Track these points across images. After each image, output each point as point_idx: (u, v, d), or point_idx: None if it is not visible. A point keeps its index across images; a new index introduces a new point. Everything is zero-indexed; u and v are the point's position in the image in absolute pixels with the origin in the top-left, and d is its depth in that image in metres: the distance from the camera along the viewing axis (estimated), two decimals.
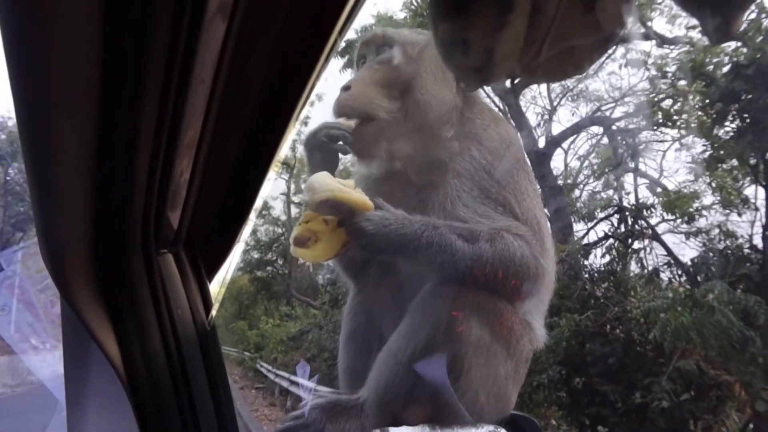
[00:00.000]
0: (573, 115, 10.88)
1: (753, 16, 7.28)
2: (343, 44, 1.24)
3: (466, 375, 1.38)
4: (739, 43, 7.18)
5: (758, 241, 7.88)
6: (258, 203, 1.15)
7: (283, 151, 1.02)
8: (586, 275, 8.64)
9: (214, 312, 1.20)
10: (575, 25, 0.61)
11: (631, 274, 9.11)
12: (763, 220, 7.81)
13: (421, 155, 1.54)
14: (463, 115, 1.60)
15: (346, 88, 1.54)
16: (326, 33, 0.78)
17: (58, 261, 0.99)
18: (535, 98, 11.79)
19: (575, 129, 10.60)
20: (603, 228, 9.63)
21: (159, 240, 1.07)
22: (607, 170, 10.45)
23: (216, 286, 1.26)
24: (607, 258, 9.20)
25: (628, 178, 9.96)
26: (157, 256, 1.09)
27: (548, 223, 1.63)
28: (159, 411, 1.08)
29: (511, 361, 1.48)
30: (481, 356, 1.39)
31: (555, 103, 11.31)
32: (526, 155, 1.70)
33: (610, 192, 10.29)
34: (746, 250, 7.88)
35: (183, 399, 1.09)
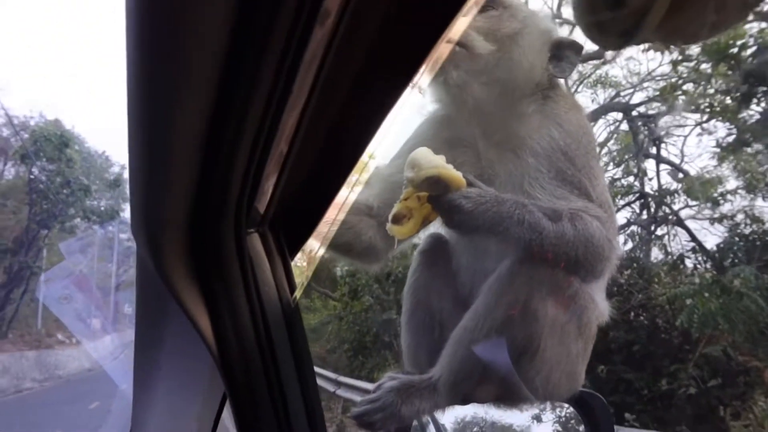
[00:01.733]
0: (592, 101, 10.75)
1: None
2: None
3: (541, 354, 1.37)
4: (764, 24, 7.07)
5: None
6: (347, 184, 1.14)
7: (376, 142, 1.01)
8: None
9: (299, 292, 1.20)
10: None
11: (655, 261, 9.04)
12: None
13: (499, 121, 1.54)
14: (545, 95, 1.59)
15: None
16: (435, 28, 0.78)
17: (156, 239, 1.00)
18: None
19: (594, 115, 10.50)
20: (625, 215, 9.57)
21: (248, 220, 1.08)
22: (627, 157, 10.35)
23: (300, 266, 1.26)
24: (630, 244, 9.16)
25: (650, 165, 9.86)
26: (246, 235, 1.09)
27: (613, 204, 1.62)
28: (249, 386, 1.10)
29: (582, 339, 1.48)
30: (556, 335, 1.39)
31: (573, 90, 11.20)
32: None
33: (631, 179, 10.18)
34: None
35: (270, 369, 1.11)
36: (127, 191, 1.09)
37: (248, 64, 0.72)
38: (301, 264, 1.30)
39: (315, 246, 1.35)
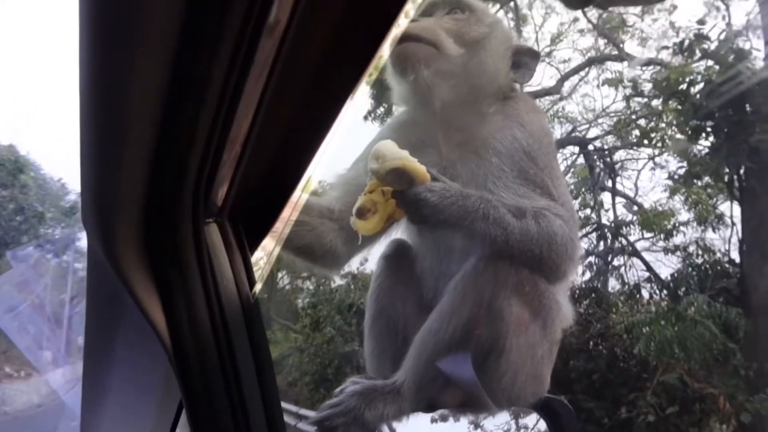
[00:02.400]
0: None
1: (724, 35, 7.57)
2: None
3: (507, 354, 1.36)
4: (711, 62, 7.44)
5: (735, 256, 8.05)
6: (304, 182, 1.12)
7: (336, 131, 1.00)
8: (569, 292, 8.73)
9: (258, 286, 1.16)
10: None
11: (612, 291, 9.20)
12: (740, 234, 7.99)
13: (463, 122, 1.55)
14: (507, 97, 1.62)
15: (413, 20, 1.54)
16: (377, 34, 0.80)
17: (108, 226, 0.96)
18: None
19: None
20: (583, 245, 9.75)
21: (206, 209, 1.04)
22: (584, 189, 10.61)
23: (259, 261, 1.22)
24: (588, 275, 9.30)
25: (606, 197, 10.12)
26: (204, 224, 1.05)
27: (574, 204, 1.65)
28: (205, 380, 1.05)
29: (547, 340, 1.48)
30: (521, 335, 1.39)
31: None
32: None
33: (588, 211, 10.42)
34: (725, 265, 8.03)
35: (228, 369, 1.06)
36: None
37: (200, 58, 0.72)
38: (261, 259, 1.25)
39: (274, 243, 1.32)
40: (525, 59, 1.63)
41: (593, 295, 8.92)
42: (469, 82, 1.57)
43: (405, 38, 1.49)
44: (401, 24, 0.83)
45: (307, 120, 0.98)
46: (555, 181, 1.51)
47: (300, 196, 1.18)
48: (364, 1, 0.79)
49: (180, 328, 1.03)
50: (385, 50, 1.04)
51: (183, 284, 1.03)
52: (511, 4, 9.50)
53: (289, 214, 1.20)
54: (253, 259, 1.20)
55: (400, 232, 1.65)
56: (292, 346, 13.23)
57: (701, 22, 7.92)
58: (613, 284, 9.40)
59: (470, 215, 1.33)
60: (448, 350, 1.35)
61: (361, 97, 0.99)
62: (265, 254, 1.26)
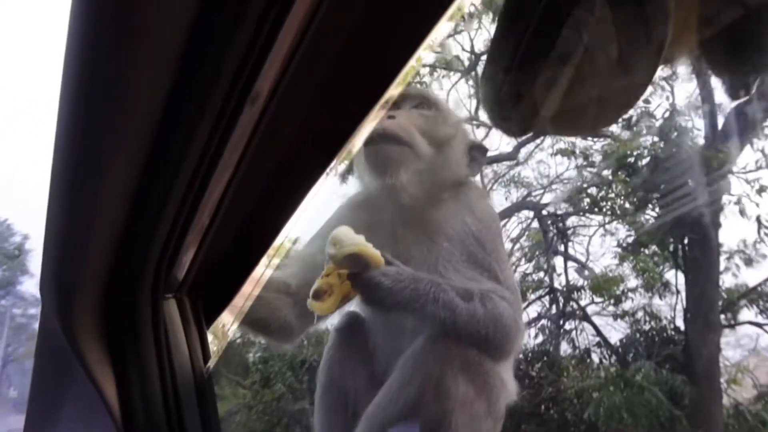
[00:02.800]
0: (506, 199, 11.34)
1: (668, 114, 8.06)
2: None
3: (453, 430, 1.39)
4: (657, 138, 7.88)
5: (680, 323, 8.29)
6: (265, 259, 1.16)
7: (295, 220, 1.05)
8: (521, 355, 8.79)
9: (212, 361, 1.18)
10: (608, 87, 0.70)
11: (564, 355, 9.30)
12: (684, 302, 8.26)
13: (419, 209, 1.62)
14: (459, 184, 1.72)
15: (390, 116, 1.62)
16: (369, 98, 0.82)
17: (65, 296, 0.97)
18: None
19: (507, 213, 11.04)
20: (536, 309, 9.89)
21: (167, 284, 1.07)
22: (537, 253, 10.83)
23: (215, 336, 1.24)
24: (541, 338, 9.41)
25: (559, 261, 10.35)
26: (163, 300, 1.08)
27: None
28: None
29: (491, 417, 1.51)
30: (467, 412, 1.42)
31: (488, 188, 11.78)
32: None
33: (541, 274, 10.61)
34: (670, 332, 8.26)
35: None
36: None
37: (178, 136, 0.75)
38: (217, 334, 1.28)
39: (231, 318, 1.35)
40: (477, 154, 1.75)
41: (545, 358, 9.00)
42: (434, 177, 1.66)
43: (383, 137, 1.59)
44: (378, 114, 0.88)
45: (278, 196, 1.02)
46: (501, 264, 1.59)
47: (261, 272, 1.22)
48: (344, 84, 0.82)
49: (132, 403, 1.04)
50: (361, 139, 1.10)
51: (138, 359, 1.05)
52: (472, 73, 9.89)
53: (249, 289, 1.23)
54: (210, 332, 1.23)
55: (354, 304, 1.69)
56: (240, 402, 12.80)
57: (647, 101, 8.42)
58: (565, 348, 9.51)
59: (421, 298, 1.39)
60: (397, 425, 1.38)
61: (332, 178, 1.03)
62: (221, 328, 1.28)
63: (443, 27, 0.70)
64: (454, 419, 1.39)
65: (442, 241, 1.58)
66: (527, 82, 0.67)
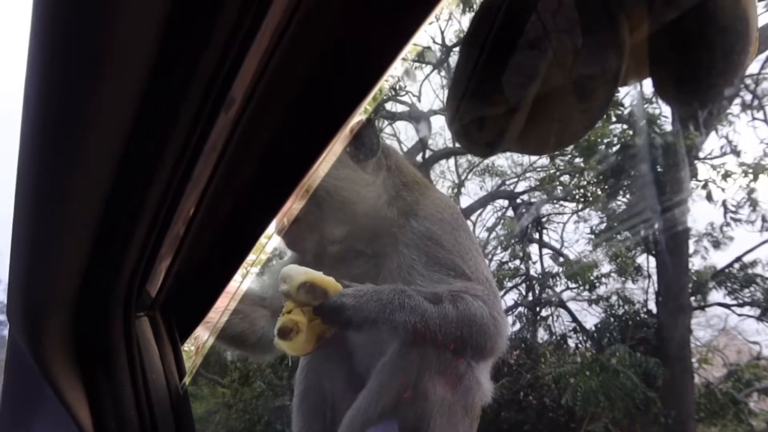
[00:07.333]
0: (481, 188, 11.41)
1: (636, 101, 8.18)
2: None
3: None
4: (626, 126, 8.00)
5: (653, 306, 8.47)
6: (240, 274, 1.15)
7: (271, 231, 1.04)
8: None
9: (188, 378, 1.17)
10: (569, 110, 0.72)
11: (541, 341, 9.44)
12: (655, 286, 8.44)
13: (368, 231, 1.63)
14: (397, 194, 1.68)
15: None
16: (348, 104, 0.79)
17: (34, 319, 0.95)
18: (443, 173, 12.30)
19: (482, 202, 11.12)
20: (513, 297, 10.02)
21: (138, 302, 1.05)
22: (513, 241, 10.94)
23: (190, 351, 1.23)
24: (518, 325, 9.53)
25: (534, 249, 10.47)
26: (135, 319, 1.06)
27: (493, 277, 1.70)
28: None
29: (468, 418, 1.53)
30: (445, 414, 1.43)
31: (463, 178, 11.84)
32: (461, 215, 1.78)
33: (517, 262, 10.73)
34: (643, 315, 8.43)
35: None
36: None
37: (150, 145, 0.72)
38: (192, 349, 1.27)
39: (206, 333, 1.33)
40: (367, 138, 1.63)
41: (523, 345, 9.14)
42: (343, 216, 1.64)
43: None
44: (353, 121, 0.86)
45: (245, 217, 1.00)
46: (467, 258, 1.57)
47: (236, 285, 1.21)
48: (321, 90, 0.80)
49: (106, 427, 1.02)
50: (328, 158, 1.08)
51: (111, 379, 1.03)
52: (444, 65, 9.90)
53: (223, 303, 1.22)
54: (185, 348, 1.21)
55: None
56: (219, 401, 12.74)
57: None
58: (542, 334, 9.65)
59: (387, 307, 1.39)
60: (376, 429, 1.39)
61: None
62: (196, 344, 1.27)
63: (424, 30, 0.69)
64: (432, 422, 1.40)
65: (401, 251, 1.58)
66: (486, 108, 0.68)
